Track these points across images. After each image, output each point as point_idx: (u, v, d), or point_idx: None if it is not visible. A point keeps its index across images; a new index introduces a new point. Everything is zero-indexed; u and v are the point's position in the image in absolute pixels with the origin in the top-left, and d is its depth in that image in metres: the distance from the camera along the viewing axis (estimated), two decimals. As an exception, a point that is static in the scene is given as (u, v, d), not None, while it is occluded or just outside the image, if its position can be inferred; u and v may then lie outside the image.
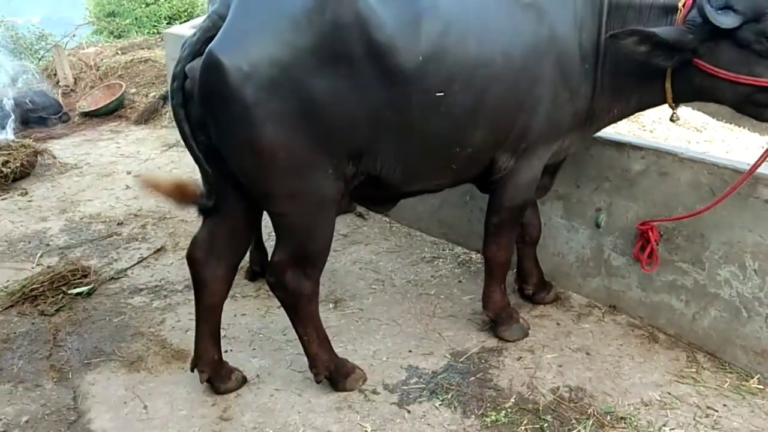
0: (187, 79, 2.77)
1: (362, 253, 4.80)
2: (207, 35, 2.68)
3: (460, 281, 4.37)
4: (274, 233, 3.14)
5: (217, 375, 3.35)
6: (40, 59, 10.59)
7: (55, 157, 6.88)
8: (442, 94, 2.86)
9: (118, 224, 5.47)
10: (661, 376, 3.40)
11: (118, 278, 4.61)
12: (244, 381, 3.44)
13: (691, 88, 3.12)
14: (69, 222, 5.56)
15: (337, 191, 2.94)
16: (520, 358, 3.58)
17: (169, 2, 13.82)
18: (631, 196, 3.69)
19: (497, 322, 3.73)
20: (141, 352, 3.77)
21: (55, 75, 9.42)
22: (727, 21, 2.85)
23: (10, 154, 6.40)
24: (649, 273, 3.67)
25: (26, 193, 6.21)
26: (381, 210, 3.66)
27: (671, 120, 3.29)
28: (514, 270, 4.08)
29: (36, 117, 8.23)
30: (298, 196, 2.87)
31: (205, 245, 3.18)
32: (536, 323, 3.87)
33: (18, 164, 6.35)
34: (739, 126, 4.40)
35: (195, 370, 3.34)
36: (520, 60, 3.01)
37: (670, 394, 3.27)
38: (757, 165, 3.05)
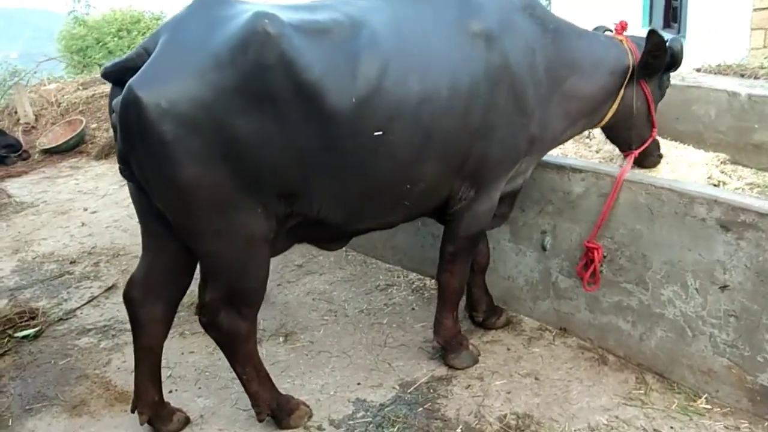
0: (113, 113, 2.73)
1: (316, 283, 4.75)
2: (128, 66, 2.63)
3: (413, 309, 4.33)
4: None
5: (157, 416, 3.26)
6: (1, 96, 10.50)
7: (10, 196, 6.80)
8: (380, 133, 2.82)
9: (71, 263, 5.40)
10: (610, 400, 3.36)
11: (67, 319, 4.53)
12: (186, 422, 3.36)
13: (625, 111, 3.42)
14: (21, 262, 5.48)
15: (268, 230, 2.88)
16: (469, 386, 3.54)
17: (142, 34, 13.81)
18: (573, 218, 3.68)
19: (447, 349, 3.69)
20: (84, 395, 3.68)
21: (16, 113, 9.33)
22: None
23: (-37, 194, 6.32)
24: (596, 295, 3.66)
25: (-21, 234, 6.11)
26: (333, 248, 3.59)
27: (588, 138, 3.53)
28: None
29: (-5, 156, 8.15)
30: (224, 235, 2.80)
31: (142, 284, 3.11)
32: (487, 349, 3.83)
33: (-29, 205, 6.27)
34: (684, 143, 4.42)
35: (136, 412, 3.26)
36: (469, 90, 3.00)
37: (617, 417, 3.23)
38: (624, 171, 3.43)
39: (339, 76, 2.71)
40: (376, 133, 2.80)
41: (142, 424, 3.24)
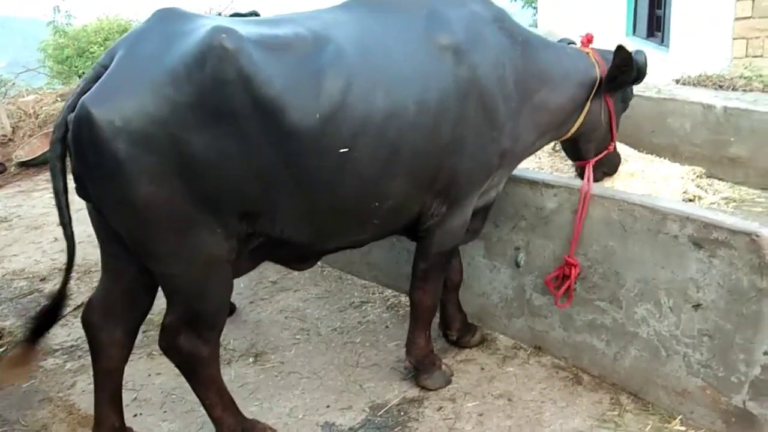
0: (67, 131, 2.62)
1: (290, 300, 4.66)
2: (88, 86, 2.54)
3: (387, 326, 4.25)
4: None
5: (118, 443, 3.17)
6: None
7: (-19, 211, 6.68)
8: (346, 150, 2.74)
9: (41, 280, 5.28)
10: (583, 421, 3.29)
11: (33, 339, 4.40)
12: (149, 448, 3.27)
13: (591, 124, 3.52)
14: (-10, 279, 5.36)
15: (229, 250, 2.79)
16: (441, 408, 3.46)
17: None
18: (547, 234, 3.62)
19: (419, 369, 3.61)
20: (47, 419, 3.58)
21: (-6, 125, 9.21)
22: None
23: (-67, 210, 6.19)
24: (570, 312, 3.59)
25: (-50, 250, 5.99)
26: (301, 268, 3.51)
27: (554, 150, 3.56)
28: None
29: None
30: (182, 256, 2.71)
31: (101, 307, 3.01)
32: (460, 368, 3.75)
33: (-59, 220, 6.14)
34: (660, 156, 4.38)
35: None
36: (438, 104, 2.94)
37: (590, 440, 3.17)
38: (587, 181, 3.46)
39: (301, 92, 2.64)
40: (341, 151, 2.73)
41: (106, 449, 3.15)
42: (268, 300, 4.66)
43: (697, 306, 3.09)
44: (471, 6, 3.19)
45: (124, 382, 3.72)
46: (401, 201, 3.06)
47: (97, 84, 2.51)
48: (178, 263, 2.74)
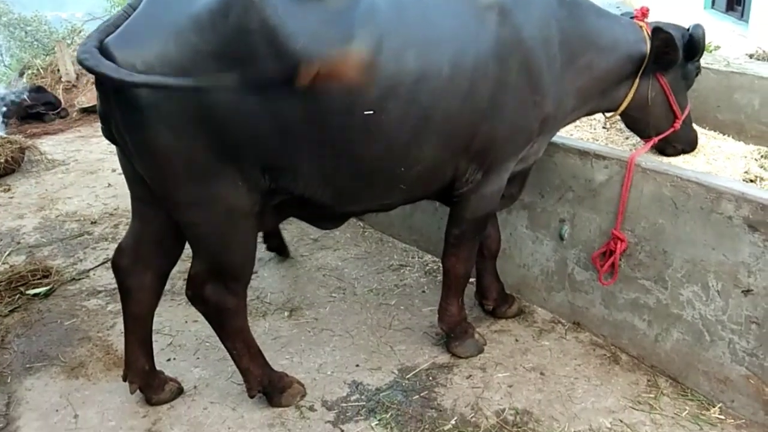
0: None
1: (329, 258, 4.65)
2: (114, 26, 2.49)
3: (423, 291, 4.19)
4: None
5: (148, 386, 3.23)
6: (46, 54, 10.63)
7: (42, 153, 6.86)
8: (371, 112, 2.63)
9: (92, 223, 5.41)
10: (616, 401, 3.18)
11: (79, 279, 4.53)
12: (179, 392, 3.32)
13: (640, 101, 3.38)
14: (44, 220, 5.52)
15: (251, 203, 2.74)
16: (470, 376, 3.40)
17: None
18: (594, 207, 3.48)
19: (451, 336, 3.55)
20: (84, 357, 3.67)
21: (59, 71, 9.43)
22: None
23: (-4, 150, 6.40)
24: (612, 290, 3.46)
25: (9, 189, 6.19)
26: (326, 227, 3.44)
27: (604, 127, 3.39)
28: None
29: (34, 112, 8.24)
30: (203, 205, 2.68)
31: (131, 252, 3.03)
32: (494, 339, 3.68)
33: (3, 160, 6.34)
34: (724, 134, 4.13)
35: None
36: (474, 68, 2.79)
37: (621, 421, 3.06)
38: (636, 153, 3.32)
39: (327, 48, 2.51)
40: (366, 112, 2.62)
41: (132, 393, 3.21)
42: (307, 257, 4.66)
43: (747, 291, 2.93)
44: None
45: (160, 327, 3.84)
46: (431, 166, 2.95)
47: (122, 27, 2.46)
48: (199, 212, 2.71)
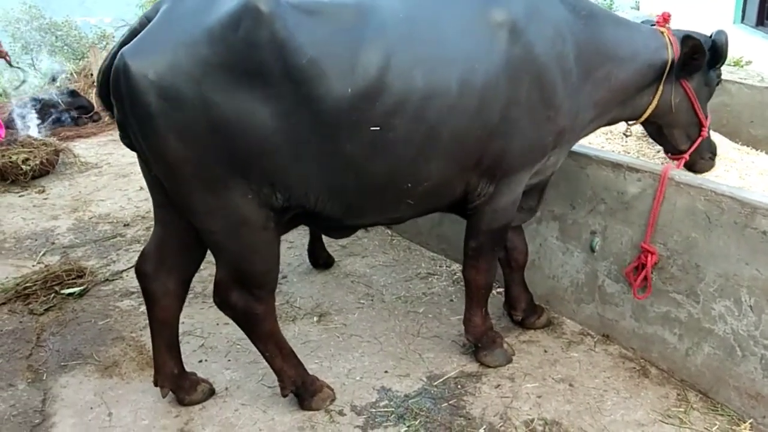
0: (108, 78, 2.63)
1: (357, 265, 4.69)
2: (131, 36, 2.57)
3: (451, 300, 4.22)
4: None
5: (179, 387, 3.28)
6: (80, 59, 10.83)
7: (76, 156, 6.99)
8: (378, 129, 2.65)
9: (125, 225, 5.51)
10: (646, 414, 3.18)
11: (113, 280, 4.62)
12: (211, 393, 3.37)
13: (665, 107, 3.41)
14: (78, 221, 5.63)
15: (264, 218, 2.76)
16: (499, 385, 3.41)
17: None
18: (626, 220, 3.48)
19: (479, 346, 3.56)
20: (118, 356, 3.74)
21: (92, 75, 9.61)
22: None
23: (31, 152, 6.54)
24: (643, 303, 3.46)
25: (43, 191, 6.32)
26: (335, 237, 3.48)
27: (625, 135, 3.46)
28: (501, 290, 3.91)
29: (67, 116, 8.40)
30: (217, 215, 2.70)
31: (154, 258, 3.07)
32: (522, 349, 3.69)
33: (38, 162, 6.49)
34: (757, 150, 4.12)
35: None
36: (484, 86, 2.79)
37: (651, 434, 3.06)
38: (669, 166, 3.32)
39: (335, 63, 2.55)
40: (372, 128, 2.64)
41: (164, 397, 3.26)
42: (336, 263, 4.70)
43: (781, 307, 2.92)
44: None
45: (192, 329, 3.90)
46: (440, 182, 2.96)
47: (138, 36, 2.53)
48: (214, 221, 2.74)
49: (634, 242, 3.46)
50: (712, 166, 3.73)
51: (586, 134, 3.47)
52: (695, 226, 3.19)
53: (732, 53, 8.85)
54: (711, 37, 3.41)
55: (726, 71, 4.74)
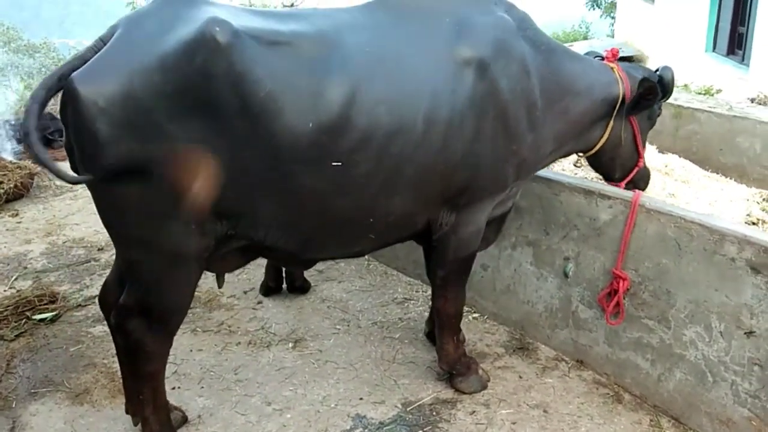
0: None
1: (334, 290, 4.68)
2: (82, 60, 2.48)
3: (427, 325, 4.22)
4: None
5: (150, 416, 3.22)
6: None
7: (50, 179, 6.92)
8: (340, 164, 2.65)
9: (99, 250, 5.45)
10: (619, 440, 3.20)
11: (85, 305, 4.55)
12: (183, 421, 3.32)
13: (613, 142, 3.52)
14: (51, 245, 5.55)
15: (201, 249, 2.70)
16: (474, 412, 3.41)
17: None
18: (599, 246, 3.53)
19: (454, 373, 3.56)
20: (89, 384, 3.68)
21: (69, 98, 9.53)
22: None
23: (5, 174, 6.46)
24: (616, 328, 3.49)
25: (17, 214, 6.24)
26: (296, 269, 3.48)
27: (576, 165, 3.58)
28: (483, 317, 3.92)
29: (45, 139, 8.32)
30: (150, 246, 2.64)
31: (116, 288, 3.01)
32: (498, 375, 3.70)
33: (12, 185, 6.40)
34: (726, 177, 4.21)
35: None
36: (449, 123, 2.82)
37: (624, 460, 3.07)
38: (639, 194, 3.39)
39: (295, 97, 2.54)
40: (333, 164, 2.64)
41: (135, 425, 3.21)
42: (312, 289, 4.68)
43: (749, 333, 2.96)
44: (497, 13, 3.07)
45: (164, 355, 3.83)
46: (402, 216, 2.98)
47: (90, 61, 2.46)
48: (144, 252, 2.67)
49: (606, 268, 3.50)
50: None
51: (544, 166, 3.56)
52: (666, 253, 3.24)
53: (703, 81, 9.06)
54: (657, 71, 3.56)
55: (696, 100, 4.86)
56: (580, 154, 3.71)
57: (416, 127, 2.75)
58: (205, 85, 2.45)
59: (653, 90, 3.39)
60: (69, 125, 2.46)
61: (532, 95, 3.05)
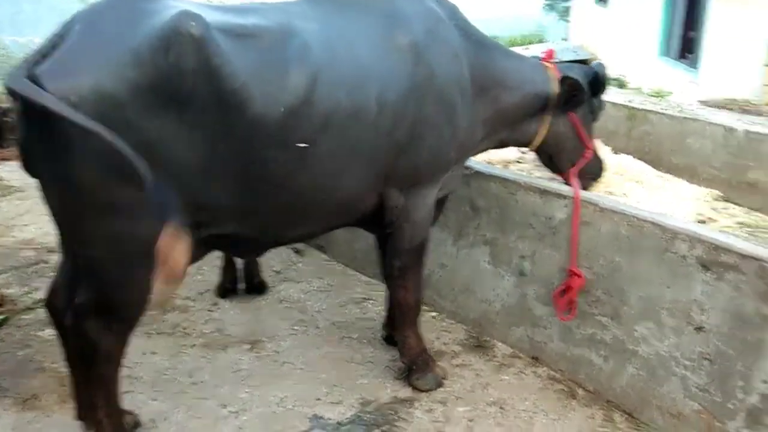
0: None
1: (292, 291, 4.64)
2: (42, 56, 2.38)
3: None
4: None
5: (102, 421, 3.15)
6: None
7: (-1, 179, 6.73)
8: (305, 145, 2.75)
9: (48, 251, 5.29)
10: (574, 436, 3.24)
11: (35, 308, 4.41)
12: (136, 425, 3.24)
13: (554, 137, 3.67)
14: (-1, 247, 5.40)
15: None
16: (431, 410, 3.42)
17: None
18: (554, 244, 3.57)
19: (412, 369, 3.57)
20: (38, 389, 3.57)
21: (19, 96, 9.29)
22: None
23: (-50, 174, 6.25)
24: (570, 325, 3.54)
25: (-37, 215, 6.05)
26: (245, 257, 3.51)
27: (519, 162, 3.74)
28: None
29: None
30: (113, 241, 2.57)
31: (64, 291, 2.92)
32: (455, 373, 3.71)
33: (-43, 185, 6.20)
34: (677, 177, 4.30)
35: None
36: (396, 104, 2.99)
37: (579, 455, 3.11)
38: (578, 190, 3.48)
39: (267, 85, 2.62)
40: (299, 145, 2.73)
41: (87, 431, 3.14)
42: (270, 289, 4.63)
43: (699, 328, 3.03)
44: (427, 3, 3.26)
45: (117, 358, 3.74)
46: (353, 196, 3.10)
47: (54, 57, 2.38)
48: (106, 248, 2.60)
49: (562, 266, 3.55)
50: (591, 186, 3.95)
51: (479, 152, 3.71)
52: (619, 251, 3.29)
53: (656, 85, 9.26)
54: (592, 68, 3.72)
55: (648, 102, 4.96)
56: (522, 150, 3.80)
57: (371, 108, 2.90)
58: (180, 80, 2.44)
59: (576, 87, 3.56)
60: (35, 122, 2.38)
61: (464, 80, 3.23)
